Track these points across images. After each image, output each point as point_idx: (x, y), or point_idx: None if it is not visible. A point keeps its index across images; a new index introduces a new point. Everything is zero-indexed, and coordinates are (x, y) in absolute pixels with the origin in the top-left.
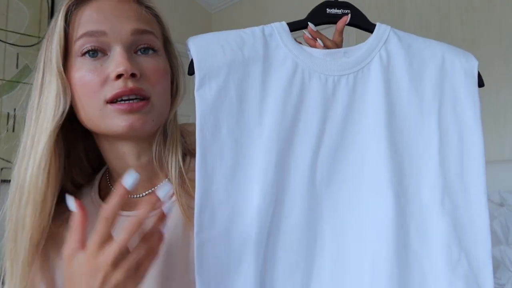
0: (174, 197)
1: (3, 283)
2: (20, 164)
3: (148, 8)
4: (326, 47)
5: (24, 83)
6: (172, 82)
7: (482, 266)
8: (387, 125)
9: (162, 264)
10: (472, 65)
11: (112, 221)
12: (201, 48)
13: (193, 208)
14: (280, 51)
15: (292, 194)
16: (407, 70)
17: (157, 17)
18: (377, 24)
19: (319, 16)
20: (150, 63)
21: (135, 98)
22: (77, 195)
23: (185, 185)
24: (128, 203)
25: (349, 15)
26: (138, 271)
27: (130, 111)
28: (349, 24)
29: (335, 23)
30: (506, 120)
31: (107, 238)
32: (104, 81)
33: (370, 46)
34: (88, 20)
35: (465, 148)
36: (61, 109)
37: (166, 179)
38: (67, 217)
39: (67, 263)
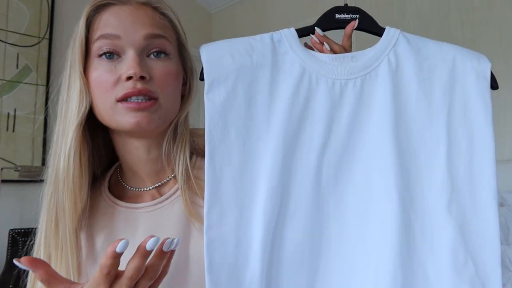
0: (178, 192)
1: (26, 275)
2: (54, 154)
3: (163, 14)
4: (333, 51)
5: (24, 83)
6: (185, 84)
7: (490, 271)
8: (394, 128)
9: None
10: (485, 67)
11: (112, 276)
12: (211, 55)
13: (196, 204)
14: (288, 57)
15: (298, 195)
16: (416, 74)
17: (171, 23)
18: (386, 28)
19: (328, 22)
20: (160, 66)
21: (143, 98)
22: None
23: (190, 182)
24: (134, 196)
25: (357, 20)
26: None
27: (138, 109)
28: (358, 29)
29: (344, 28)
30: (506, 120)
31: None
32: (117, 81)
33: (378, 50)
34: (105, 24)
35: (475, 152)
36: (84, 105)
37: (172, 175)
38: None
39: None
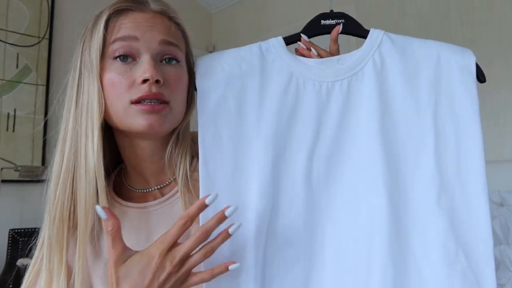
0: (178, 194)
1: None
2: (71, 153)
3: (177, 24)
4: (320, 56)
5: (24, 83)
6: (188, 91)
7: (483, 263)
8: (381, 126)
9: None
10: (469, 61)
11: (187, 227)
12: (203, 66)
13: None
14: (276, 64)
15: (289, 195)
16: (402, 72)
17: (183, 32)
18: (371, 30)
19: (314, 28)
20: (172, 72)
21: (156, 102)
22: None
23: (189, 184)
24: (136, 196)
25: (342, 24)
26: (188, 281)
27: (151, 112)
28: (343, 32)
29: (329, 33)
30: (506, 120)
31: (176, 241)
32: (131, 84)
33: (363, 52)
34: (123, 27)
35: (463, 146)
36: (102, 106)
37: (173, 178)
38: None
39: (117, 264)
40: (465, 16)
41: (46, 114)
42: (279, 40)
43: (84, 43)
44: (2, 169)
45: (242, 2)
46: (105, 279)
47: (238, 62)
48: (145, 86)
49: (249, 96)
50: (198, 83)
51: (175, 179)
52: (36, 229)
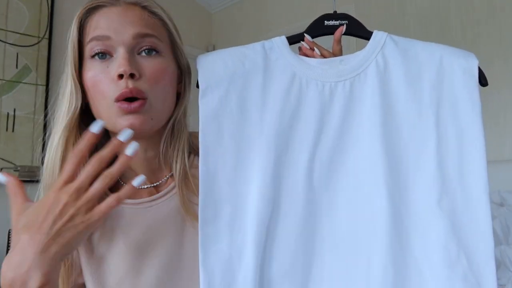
0: (175, 189)
1: None
2: (48, 153)
3: (152, 13)
4: (323, 56)
5: (24, 83)
6: (180, 82)
7: (484, 265)
8: (383, 128)
9: (160, 249)
10: (471, 64)
11: (77, 162)
12: (206, 63)
13: (192, 202)
14: (279, 63)
15: (290, 195)
16: (404, 74)
17: (162, 21)
18: (374, 32)
19: (317, 28)
20: (151, 63)
21: (135, 98)
22: None
23: (187, 180)
24: (133, 193)
25: (345, 25)
26: (94, 210)
27: (128, 112)
28: (346, 33)
29: (333, 33)
30: (506, 120)
31: (72, 176)
32: (111, 81)
33: (366, 53)
34: (96, 26)
35: (465, 148)
36: (74, 106)
37: (169, 175)
38: None
39: (17, 217)
40: (465, 16)
41: (46, 114)
42: (283, 39)
43: (68, 42)
44: (1, 169)
45: (242, 2)
46: (95, 275)
47: (241, 59)
48: (122, 82)
49: (252, 94)
50: (201, 80)
51: (172, 175)
52: None
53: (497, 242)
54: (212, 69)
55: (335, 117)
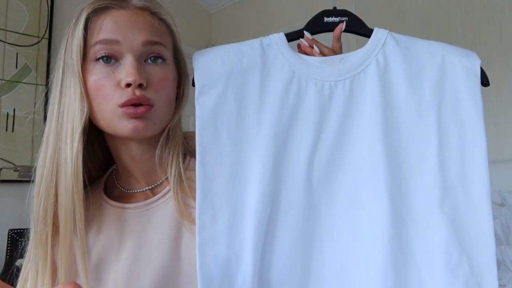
0: (170, 193)
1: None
2: (51, 156)
3: (161, 20)
4: (322, 54)
5: (23, 83)
6: (179, 87)
7: (485, 269)
8: (384, 128)
9: (157, 253)
10: (474, 64)
11: None
12: (202, 61)
13: (189, 206)
14: (277, 60)
15: (289, 196)
16: (405, 73)
17: (169, 28)
18: (375, 29)
19: (317, 25)
20: (157, 72)
21: (140, 104)
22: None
23: (182, 183)
24: (127, 196)
25: (345, 22)
26: None
27: (133, 116)
28: (346, 31)
29: (332, 31)
30: (506, 120)
31: None
32: (116, 87)
33: (366, 51)
34: (104, 29)
35: (467, 149)
36: (85, 110)
37: (165, 177)
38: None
39: None
40: (465, 16)
41: (45, 114)
42: (281, 36)
43: (67, 42)
44: (1, 169)
45: (242, 2)
46: (91, 281)
47: (239, 56)
48: (129, 90)
49: (249, 93)
50: (197, 78)
51: (167, 178)
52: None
53: (498, 242)
54: (209, 68)
55: (334, 116)
